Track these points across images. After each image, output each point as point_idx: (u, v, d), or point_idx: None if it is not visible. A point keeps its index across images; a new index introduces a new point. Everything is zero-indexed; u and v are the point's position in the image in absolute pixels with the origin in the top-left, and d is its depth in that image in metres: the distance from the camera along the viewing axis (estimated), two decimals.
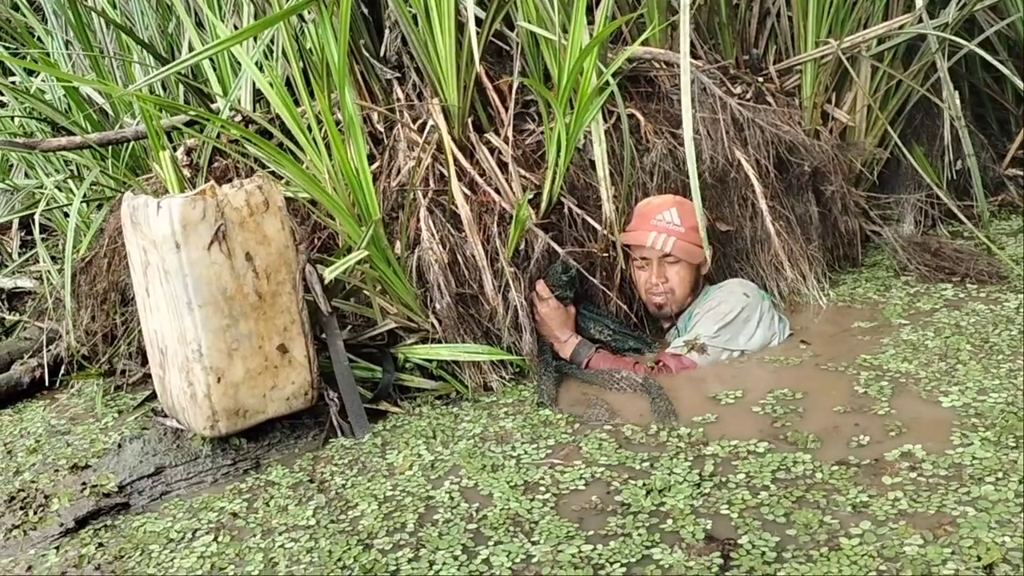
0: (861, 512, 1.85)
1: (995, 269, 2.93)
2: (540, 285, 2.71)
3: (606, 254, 2.78)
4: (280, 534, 2.05)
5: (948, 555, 1.67)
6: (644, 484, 2.03)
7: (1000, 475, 1.90)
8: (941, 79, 3.17)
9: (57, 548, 2.12)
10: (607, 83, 2.71)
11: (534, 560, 1.81)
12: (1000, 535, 1.71)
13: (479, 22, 2.67)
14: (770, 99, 3.05)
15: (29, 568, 2.06)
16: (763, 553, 1.75)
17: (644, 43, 2.90)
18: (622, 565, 1.77)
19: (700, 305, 2.74)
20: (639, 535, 1.86)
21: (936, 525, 1.77)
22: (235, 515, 2.16)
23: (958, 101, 3.28)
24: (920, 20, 3.08)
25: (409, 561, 1.86)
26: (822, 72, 3.14)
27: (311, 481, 2.26)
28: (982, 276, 2.90)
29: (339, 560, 1.89)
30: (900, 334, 2.64)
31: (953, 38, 3.12)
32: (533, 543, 1.87)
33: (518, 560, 1.82)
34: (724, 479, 2.02)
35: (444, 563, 1.84)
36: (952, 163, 3.41)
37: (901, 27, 3.11)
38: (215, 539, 2.07)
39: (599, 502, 2.00)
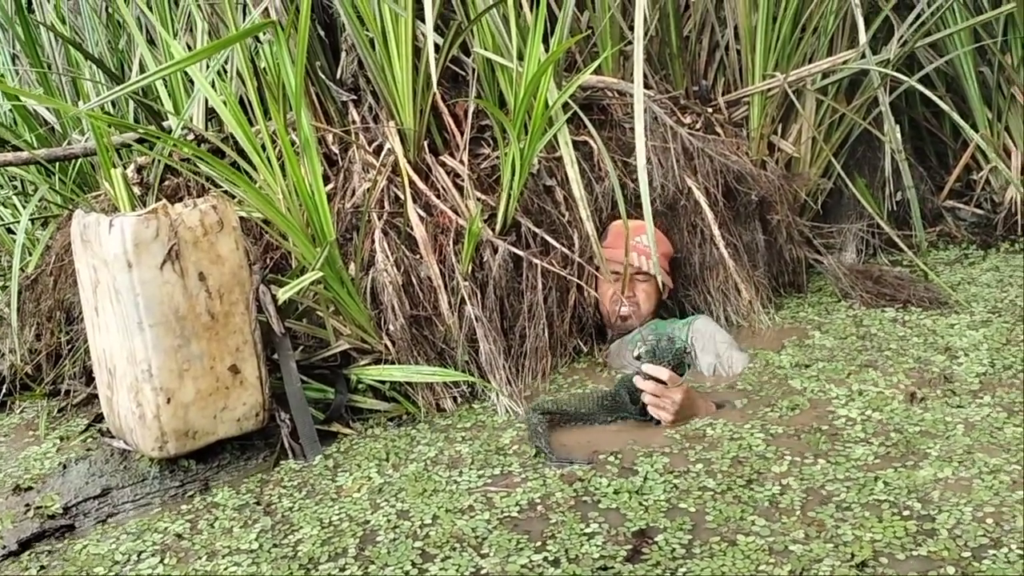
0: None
1: (934, 295, 3.02)
2: (665, 373, 2.31)
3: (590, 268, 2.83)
4: (223, 557, 2.01)
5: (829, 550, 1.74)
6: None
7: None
8: (883, 113, 3.28)
9: None
10: (565, 111, 2.75)
11: (483, 571, 1.82)
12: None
13: (436, 48, 2.70)
14: (719, 129, 3.13)
15: None
16: (673, 550, 1.81)
17: (598, 71, 2.95)
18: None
19: (678, 330, 2.75)
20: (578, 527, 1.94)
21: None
22: (180, 536, 2.12)
23: (899, 135, 3.39)
24: (863, 56, 3.19)
25: None
26: (769, 104, 3.23)
27: (258, 503, 2.23)
28: (922, 302, 2.99)
29: None
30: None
31: (894, 74, 3.23)
32: (482, 556, 1.88)
33: (467, 573, 1.82)
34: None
35: None
36: (892, 194, 3.53)
37: (845, 62, 3.23)
38: (161, 561, 2.03)
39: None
